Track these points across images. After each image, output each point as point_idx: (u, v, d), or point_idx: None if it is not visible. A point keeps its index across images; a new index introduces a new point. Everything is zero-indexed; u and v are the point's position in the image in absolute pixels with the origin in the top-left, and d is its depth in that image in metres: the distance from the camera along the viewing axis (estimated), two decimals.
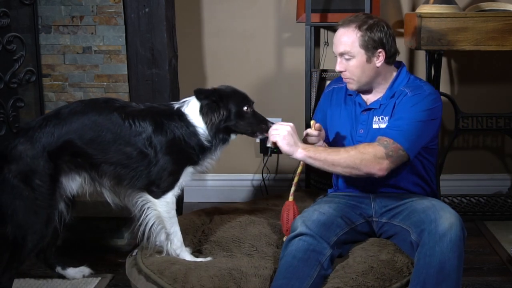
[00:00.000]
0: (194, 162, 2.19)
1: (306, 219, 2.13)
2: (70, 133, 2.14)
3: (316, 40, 3.46)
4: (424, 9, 3.03)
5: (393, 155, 2.12)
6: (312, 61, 3.34)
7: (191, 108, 2.21)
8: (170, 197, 2.18)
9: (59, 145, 2.14)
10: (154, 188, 2.16)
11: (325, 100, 2.46)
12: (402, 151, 2.12)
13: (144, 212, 2.19)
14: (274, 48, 3.52)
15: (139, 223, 2.21)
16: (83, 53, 3.02)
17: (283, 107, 3.55)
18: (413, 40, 2.98)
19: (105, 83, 3.04)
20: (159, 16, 2.94)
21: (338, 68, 2.26)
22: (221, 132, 2.18)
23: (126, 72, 3.02)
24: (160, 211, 2.17)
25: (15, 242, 2.12)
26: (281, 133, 2.13)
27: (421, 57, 3.45)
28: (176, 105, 2.23)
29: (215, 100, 2.18)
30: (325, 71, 3.38)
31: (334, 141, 2.37)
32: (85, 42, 3.01)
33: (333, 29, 3.43)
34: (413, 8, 3.38)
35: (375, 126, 2.26)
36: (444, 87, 3.43)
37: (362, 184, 2.29)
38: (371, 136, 2.24)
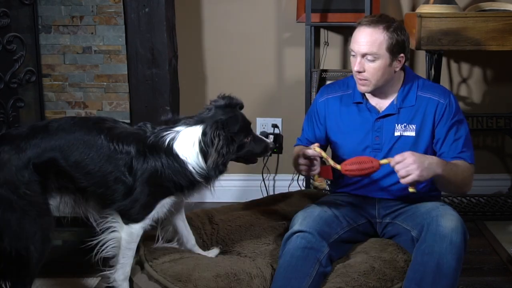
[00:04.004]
0: (175, 194, 2.09)
1: (306, 215, 2.12)
2: (56, 150, 2.05)
3: (316, 40, 3.46)
4: (424, 9, 3.03)
5: (473, 174, 2.23)
6: (312, 61, 3.34)
7: (182, 142, 2.04)
8: (136, 228, 2.08)
9: (44, 160, 2.04)
10: (124, 214, 2.07)
11: (321, 110, 2.37)
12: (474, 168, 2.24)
13: (108, 230, 2.10)
14: (274, 48, 3.52)
15: (99, 236, 2.12)
16: (83, 53, 3.02)
17: (283, 107, 3.55)
18: (413, 40, 2.98)
19: (105, 83, 3.04)
20: (159, 16, 2.94)
21: (357, 68, 2.17)
22: (221, 166, 2.03)
23: (126, 72, 3.02)
24: (122, 236, 2.09)
25: (19, 255, 2.02)
26: (410, 169, 2.00)
27: (421, 57, 3.45)
28: (168, 138, 2.05)
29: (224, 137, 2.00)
30: (325, 71, 3.37)
31: (344, 150, 2.31)
32: (85, 42, 3.01)
33: (333, 29, 3.45)
34: (413, 8, 3.38)
35: (397, 133, 2.22)
36: (445, 87, 3.42)
37: (368, 189, 2.29)
38: (393, 144, 2.23)
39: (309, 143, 2.37)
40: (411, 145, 2.21)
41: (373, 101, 2.28)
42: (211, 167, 2.00)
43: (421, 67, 3.42)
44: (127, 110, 3.06)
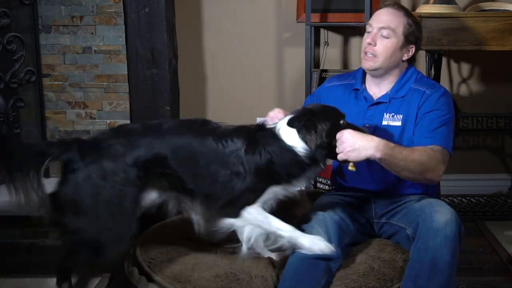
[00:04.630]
0: (282, 182, 2.07)
1: (321, 222, 2.08)
2: (166, 150, 2.02)
3: (316, 40, 3.46)
4: (424, 9, 3.03)
5: (446, 161, 2.14)
6: (312, 61, 3.34)
7: (286, 130, 2.06)
8: (250, 210, 2.03)
9: (153, 158, 2.00)
10: (230, 207, 2.03)
11: (323, 95, 2.40)
12: (449, 156, 2.16)
13: (238, 235, 2.06)
14: (274, 48, 3.52)
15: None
16: (83, 53, 3.02)
17: (283, 107, 3.53)
18: None
19: (105, 83, 3.04)
20: (159, 16, 2.94)
21: (369, 40, 2.20)
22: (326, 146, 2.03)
23: (126, 72, 3.02)
24: (246, 226, 2.03)
25: (96, 247, 1.95)
26: (341, 146, 1.98)
27: (421, 57, 3.45)
28: (273, 129, 2.08)
29: (309, 119, 2.04)
30: (325, 71, 3.38)
31: None
32: (85, 42, 3.01)
33: (333, 29, 3.46)
34: (413, 8, 3.38)
35: (384, 122, 2.23)
36: (444, 87, 3.42)
37: (364, 181, 2.28)
38: (379, 132, 2.21)
39: None
40: (398, 135, 2.21)
41: (371, 90, 2.29)
42: (313, 148, 2.00)
43: (421, 67, 3.41)
44: (127, 110, 3.06)
